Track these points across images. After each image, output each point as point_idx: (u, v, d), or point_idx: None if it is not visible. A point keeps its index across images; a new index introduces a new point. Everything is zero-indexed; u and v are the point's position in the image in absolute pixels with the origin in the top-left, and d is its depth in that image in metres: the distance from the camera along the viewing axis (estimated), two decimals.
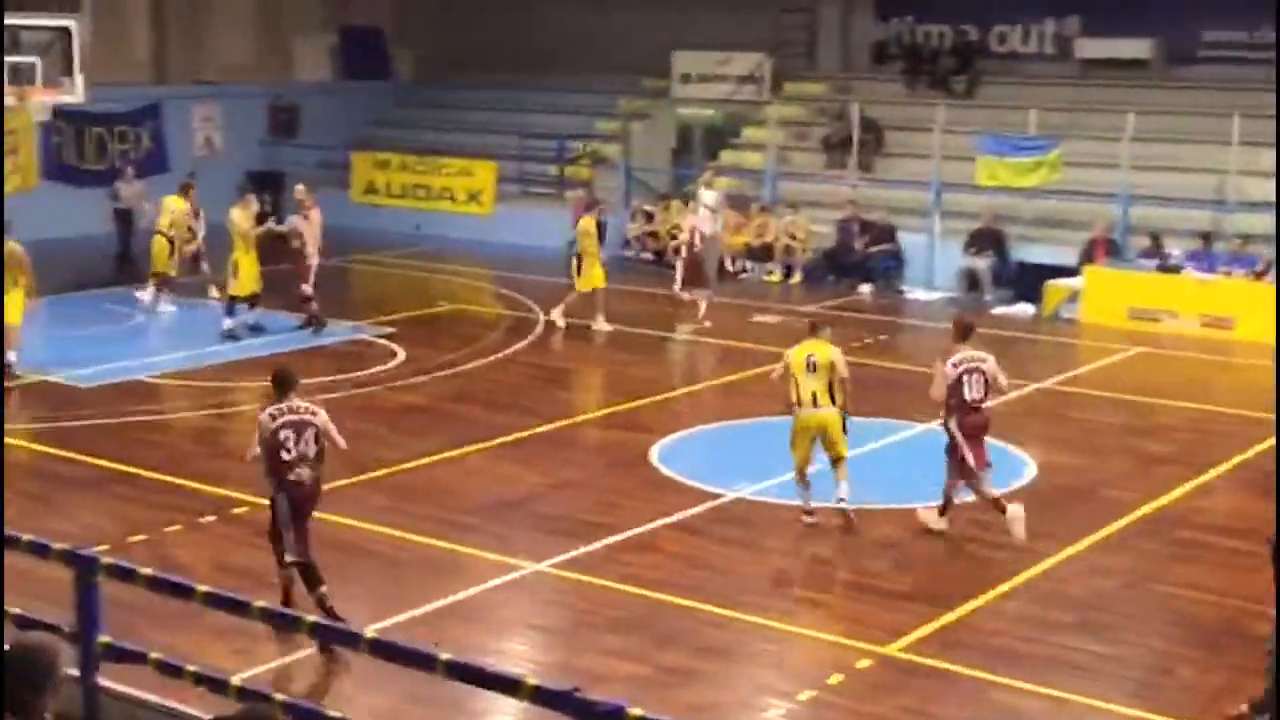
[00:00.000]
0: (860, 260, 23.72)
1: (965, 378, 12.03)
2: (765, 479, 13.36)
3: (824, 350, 12.40)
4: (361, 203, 29.24)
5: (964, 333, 12.42)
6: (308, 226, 19.38)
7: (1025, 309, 21.87)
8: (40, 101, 20.95)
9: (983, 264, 22.87)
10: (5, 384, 16.23)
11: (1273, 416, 14.79)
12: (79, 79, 20.94)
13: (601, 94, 29.10)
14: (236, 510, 12.52)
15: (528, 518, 12.65)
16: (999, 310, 21.94)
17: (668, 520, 12.45)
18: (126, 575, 7.01)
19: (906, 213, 24.30)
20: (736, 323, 21.33)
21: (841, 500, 12.25)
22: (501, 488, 13.36)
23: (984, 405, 12.14)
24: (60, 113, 24.43)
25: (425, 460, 14.06)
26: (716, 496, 13.05)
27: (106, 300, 21.65)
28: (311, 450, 10.06)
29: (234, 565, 11.24)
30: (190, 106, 29.52)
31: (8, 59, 20.49)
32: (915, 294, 23.22)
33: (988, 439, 12.29)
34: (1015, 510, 11.95)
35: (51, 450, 14.20)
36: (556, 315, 20.18)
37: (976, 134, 23.71)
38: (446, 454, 14.29)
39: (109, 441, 14.53)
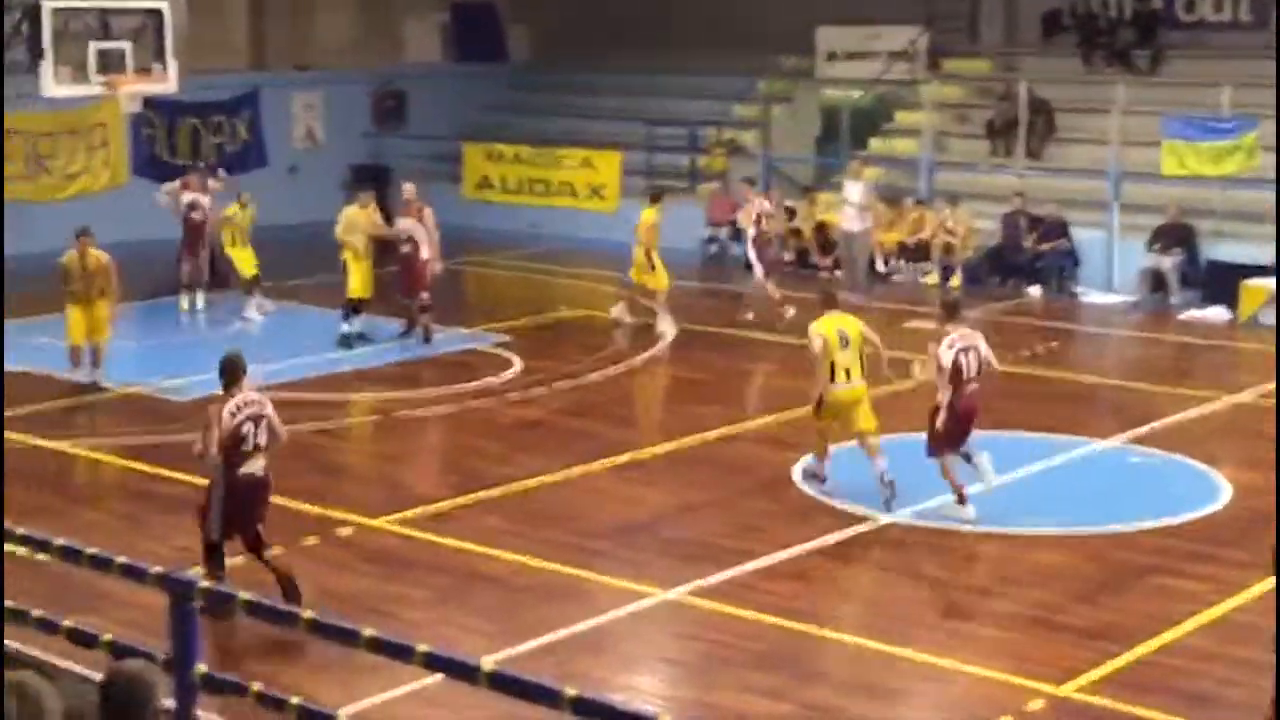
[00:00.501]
0: (1029, 259, 23.49)
1: (961, 357, 13.05)
2: (920, 500, 13.30)
3: (851, 324, 13.65)
4: (474, 199, 29.59)
5: (952, 311, 13.63)
6: (421, 229, 19.53)
7: (1218, 313, 21.50)
8: (130, 91, 21.46)
9: (1169, 263, 22.52)
10: (98, 394, 16.74)
11: None
12: (172, 65, 21.46)
13: (738, 75, 29.15)
14: (341, 531, 12.76)
15: (657, 541, 12.74)
16: (1188, 315, 21.60)
17: (813, 545, 12.46)
18: (224, 601, 7.17)
19: (1081, 205, 24.01)
20: (888, 330, 21.19)
21: (885, 473, 13.20)
22: (628, 509, 13.45)
23: (975, 385, 13.13)
24: (151, 103, 25.03)
25: (545, 479, 14.20)
26: (866, 520, 13.02)
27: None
28: (264, 440, 11.06)
29: (338, 590, 11.45)
30: (290, 94, 30.12)
31: (98, 45, 21.08)
32: (1091, 297, 22.93)
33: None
34: (970, 513, 12.94)
35: (143, 467, 14.57)
36: (664, 325, 20.30)
37: (1161, 115, 23.35)
38: (568, 472, 14.43)
39: None
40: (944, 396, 12.97)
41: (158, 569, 7.24)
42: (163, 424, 16.04)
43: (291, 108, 30.20)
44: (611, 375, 18.24)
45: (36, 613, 7.52)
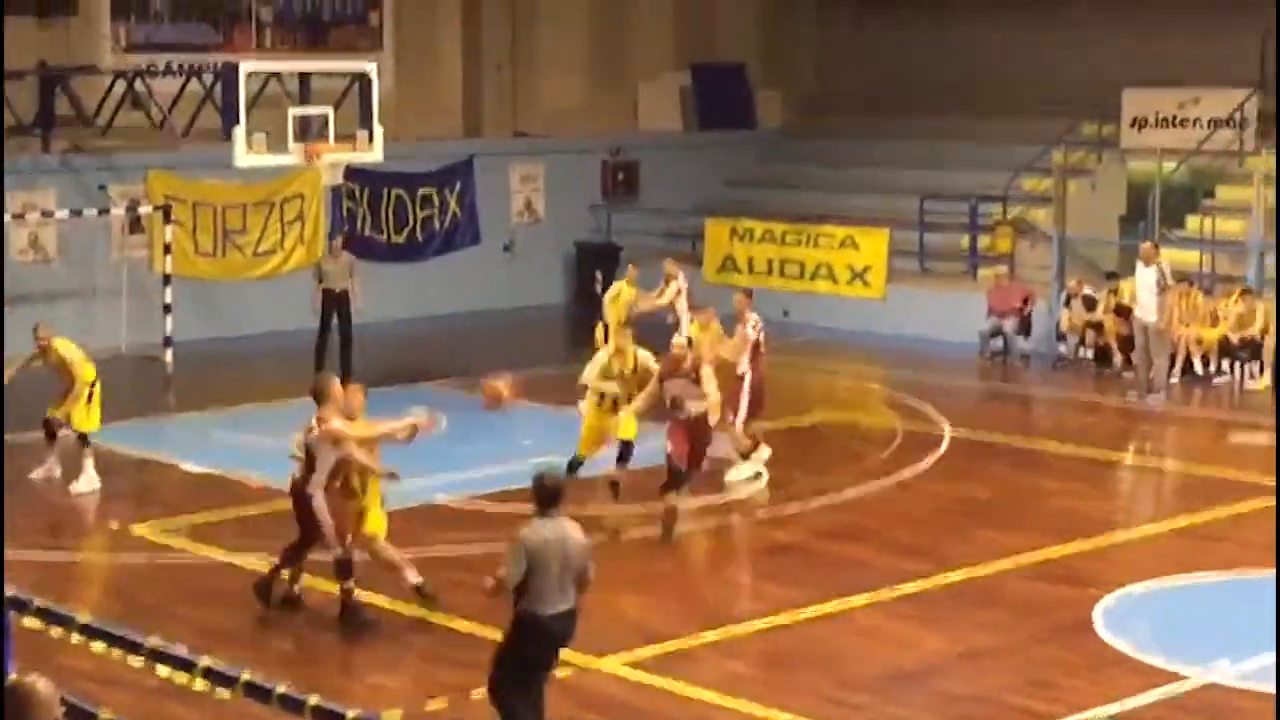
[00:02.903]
0: None
1: (760, 336, 18.42)
2: (1251, 656, 12.84)
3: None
4: (716, 282, 29.67)
5: (750, 295, 19.09)
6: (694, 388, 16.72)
7: None
8: (330, 160, 22.04)
9: None
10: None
11: None
12: (377, 132, 22.01)
13: (1027, 144, 28.89)
14: (559, 674, 12.72)
15: (932, 696, 12.48)
16: None
17: (1118, 708, 12.08)
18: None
19: None
20: (1207, 443, 20.70)
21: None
22: (898, 655, 13.22)
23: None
24: (353, 173, 25.69)
25: (799, 615, 14.04)
26: (1182, 678, 12.61)
27: (405, 401, 22.43)
28: (301, 457, 13.65)
29: None
30: (508, 164, 30.68)
31: (296, 110, 21.73)
32: None
33: None
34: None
35: (330, 589, 14.72)
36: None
37: None
38: (825, 607, 14.22)
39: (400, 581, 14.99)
40: (746, 371, 18.01)
41: (354, 713, 7.32)
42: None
43: (509, 179, 30.75)
44: (878, 491, 18.03)
45: None
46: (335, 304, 24.06)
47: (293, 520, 13.85)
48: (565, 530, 10.36)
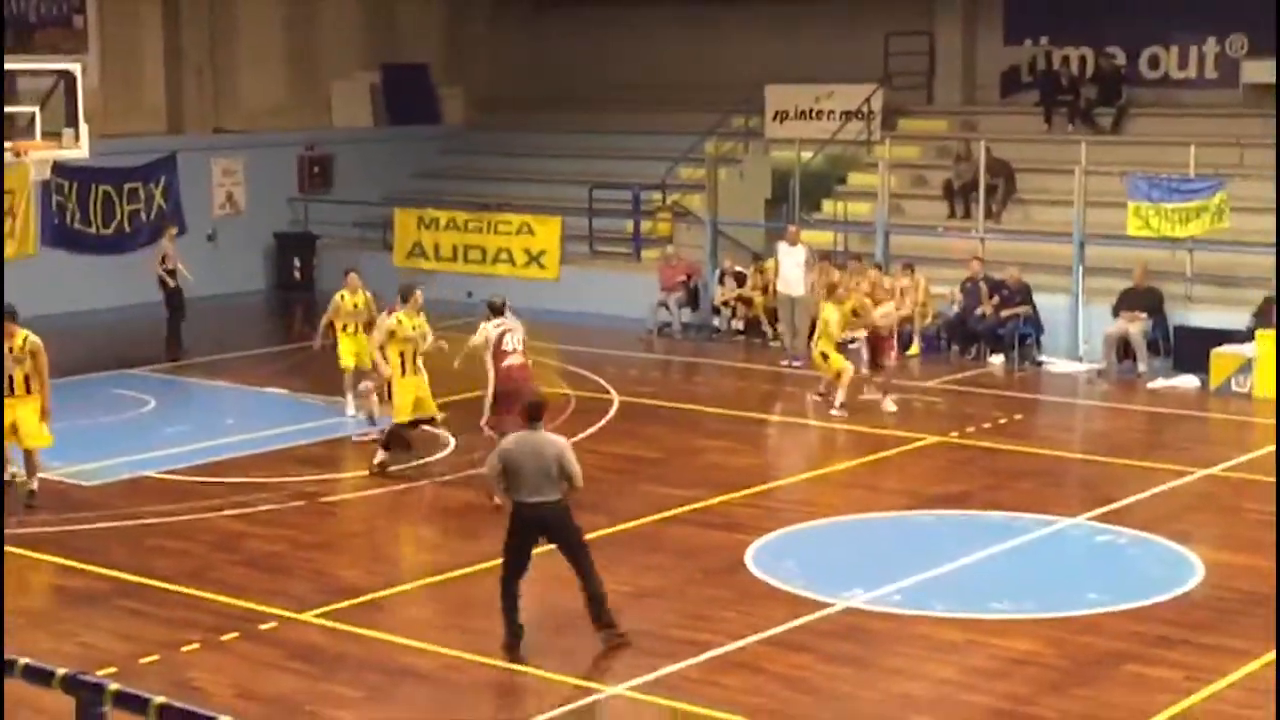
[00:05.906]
0: (990, 327, 23.65)
1: (505, 336, 16.60)
2: (881, 585, 13.33)
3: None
4: (405, 267, 29.55)
5: (499, 310, 16.96)
6: None
7: (1189, 382, 21.68)
8: (38, 157, 21.37)
9: (1136, 329, 22.70)
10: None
11: None
12: (83, 129, 21.39)
13: (683, 135, 29.34)
14: (264, 626, 12.64)
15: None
16: (1157, 384, 21.75)
17: (767, 634, 12.44)
18: (137, 704, 7.08)
19: (1044, 270, 24.22)
20: (846, 400, 21.30)
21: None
22: (571, 597, 13.34)
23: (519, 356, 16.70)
24: (62, 169, 24.94)
25: (482, 566, 14.09)
26: (823, 606, 13.02)
27: (114, 385, 22.00)
28: None
29: (261, 691, 11.34)
30: (209, 159, 30.13)
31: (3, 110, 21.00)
32: (1056, 366, 23.09)
33: None
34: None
35: (49, 558, 14.40)
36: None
37: (1126, 175, 23.61)
38: None
39: (115, 548, 14.72)
40: (493, 373, 16.55)
41: (63, 670, 7.17)
42: (71, 511, 15.90)
43: (211, 173, 30.20)
44: None
45: None
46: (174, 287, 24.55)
47: None
48: (541, 439, 12.03)
